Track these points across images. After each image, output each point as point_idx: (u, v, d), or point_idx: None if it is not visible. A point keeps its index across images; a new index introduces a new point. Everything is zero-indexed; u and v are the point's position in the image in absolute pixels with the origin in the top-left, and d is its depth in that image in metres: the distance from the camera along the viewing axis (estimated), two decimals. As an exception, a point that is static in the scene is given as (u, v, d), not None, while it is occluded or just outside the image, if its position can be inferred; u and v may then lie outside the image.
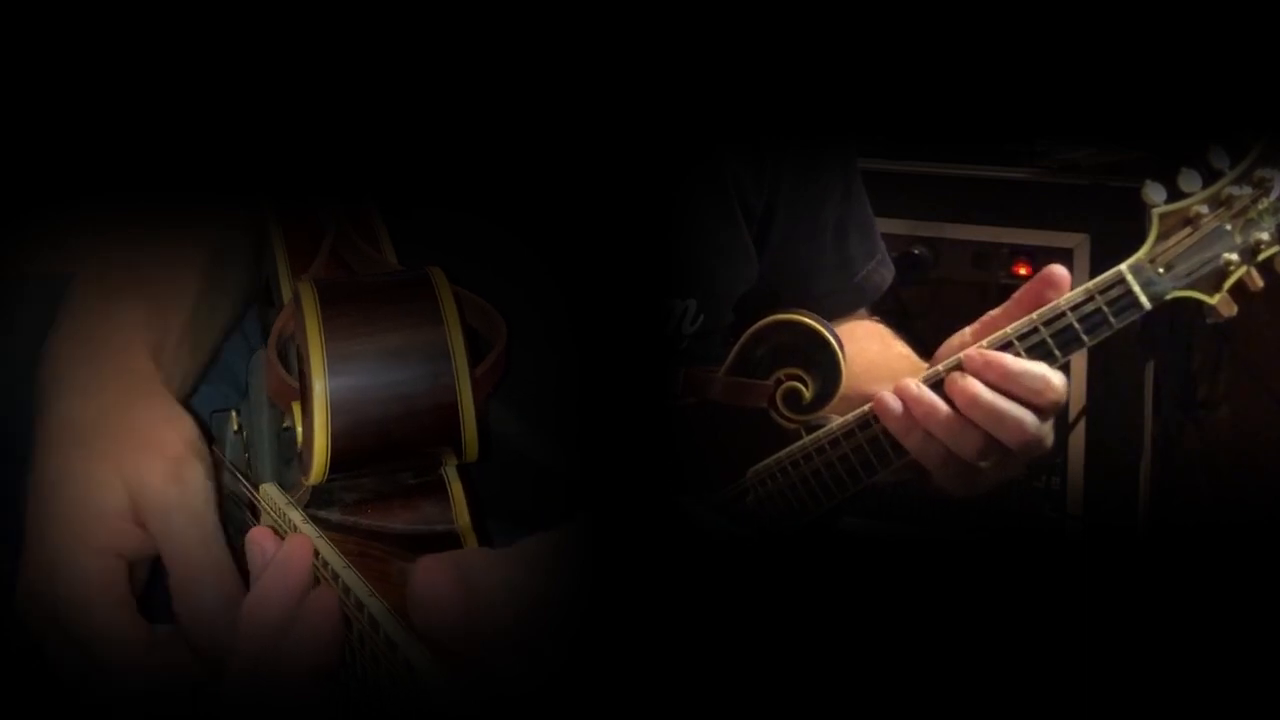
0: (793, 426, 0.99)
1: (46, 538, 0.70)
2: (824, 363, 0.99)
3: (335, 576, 0.64)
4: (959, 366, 0.91)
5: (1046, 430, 0.91)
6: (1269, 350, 1.87)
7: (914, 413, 0.91)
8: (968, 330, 0.96)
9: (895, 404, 0.92)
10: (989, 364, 0.90)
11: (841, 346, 0.99)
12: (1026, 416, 0.89)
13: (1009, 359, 0.89)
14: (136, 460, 0.71)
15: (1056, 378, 0.90)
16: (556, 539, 0.60)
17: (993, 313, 0.95)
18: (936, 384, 0.92)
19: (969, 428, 0.89)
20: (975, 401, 0.89)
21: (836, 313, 1.14)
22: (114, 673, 0.68)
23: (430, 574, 0.58)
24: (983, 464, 0.91)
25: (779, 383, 0.99)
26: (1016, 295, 0.93)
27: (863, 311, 1.19)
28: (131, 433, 0.72)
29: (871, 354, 1.10)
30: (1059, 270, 0.92)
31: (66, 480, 0.71)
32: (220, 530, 0.72)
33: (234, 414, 0.84)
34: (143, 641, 0.69)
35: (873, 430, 0.95)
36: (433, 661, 0.54)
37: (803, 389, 0.99)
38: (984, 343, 0.92)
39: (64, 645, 0.70)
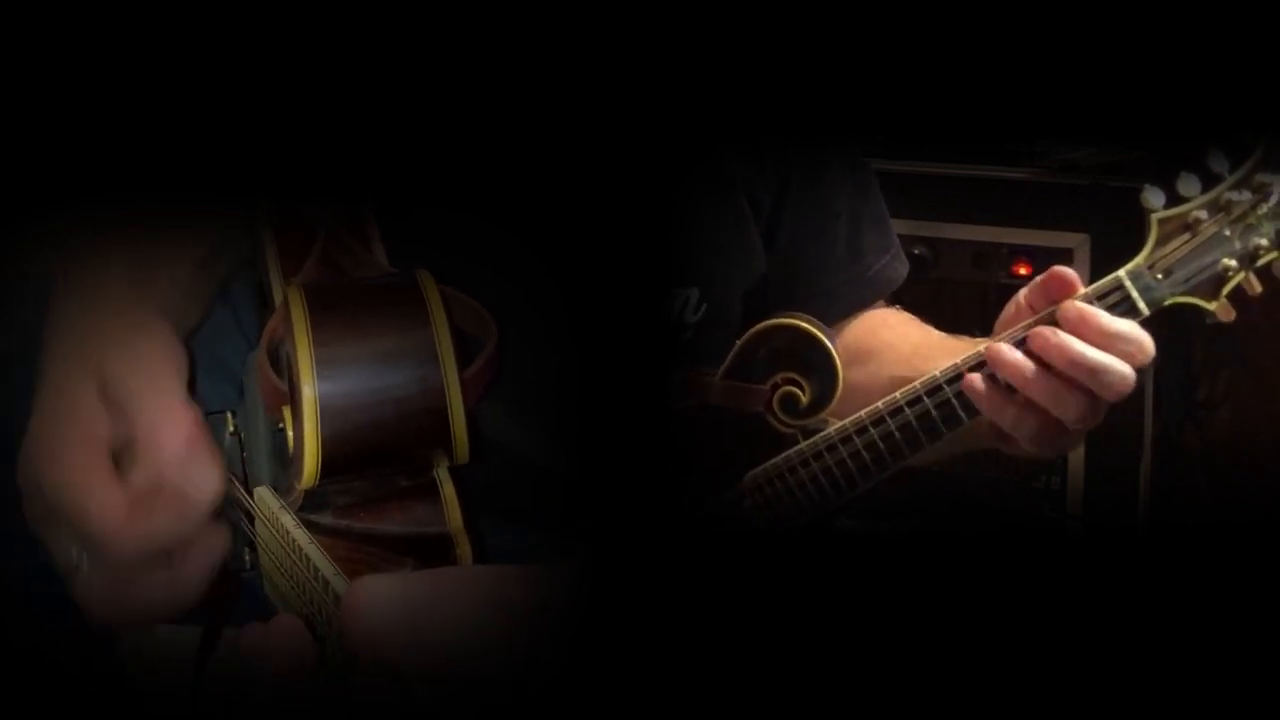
0: (789, 431, 0.99)
1: (28, 441, 0.72)
2: (821, 367, 0.98)
3: (325, 584, 0.64)
4: (943, 388, 0.91)
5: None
6: (1269, 350, 1.87)
7: (1012, 377, 0.89)
8: (1021, 295, 0.95)
9: (980, 383, 0.90)
10: (1084, 319, 0.88)
11: (838, 350, 0.99)
12: (1126, 369, 0.87)
13: (1105, 316, 0.88)
14: (104, 354, 0.72)
15: (1148, 341, 0.88)
16: (520, 573, 0.60)
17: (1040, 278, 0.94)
18: (924, 414, 0.92)
19: (1071, 389, 0.88)
20: (1076, 359, 0.87)
21: (849, 306, 1.14)
22: (105, 538, 0.68)
23: (354, 599, 0.58)
24: (1080, 426, 0.90)
25: (775, 387, 0.99)
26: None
27: (881, 303, 1.19)
28: (103, 339, 0.74)
29: (915, 337, 1.10)
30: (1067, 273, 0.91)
31: (45, 393, 0.73)
32: (182, 386, 0.72)
33: (230, 415, 0.84)
34: (123, 500, 0.69)
35: (870, 435, 0.95)
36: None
37: (799, 393, 0.99)
38: (982, 348, 0.92)
39: (56, 529, 0.71)
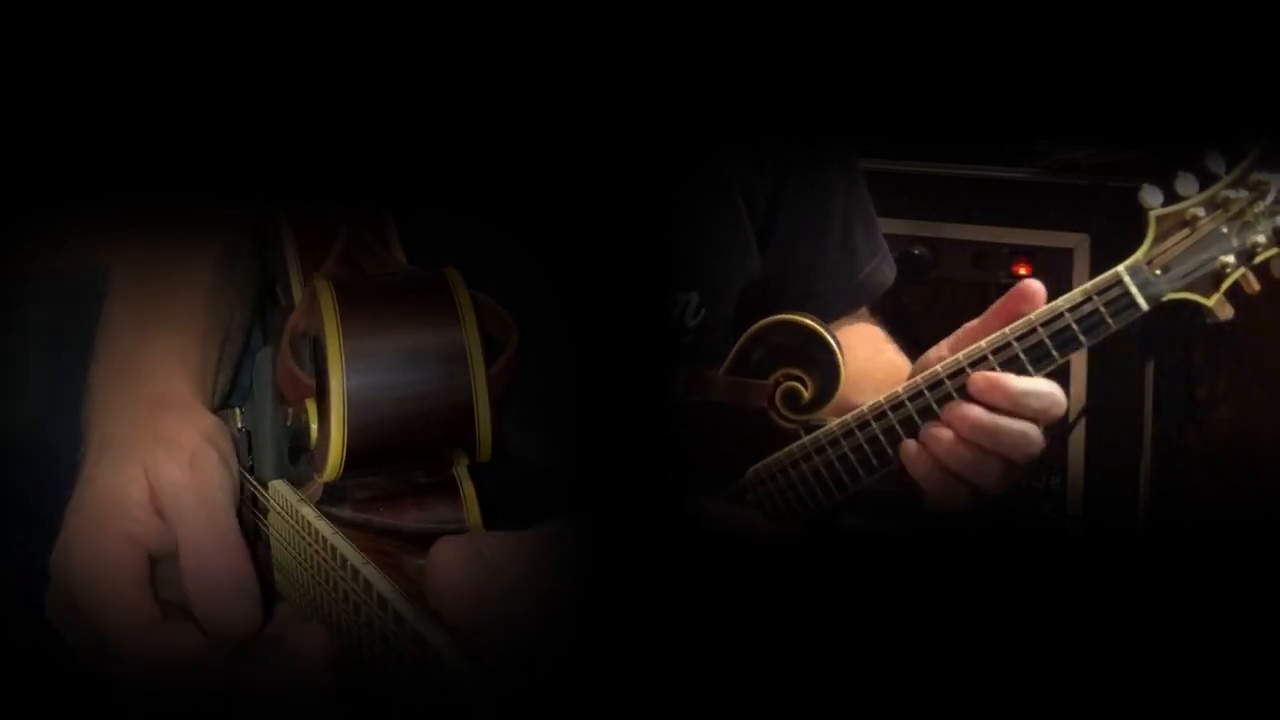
0: (791, 427, 0.99)
1: (69, 527, 0.72)
2: (823, 363, 0.99)
3: (355, 573, 0.64)
4: (944, 384, 0.92)
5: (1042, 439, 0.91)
6: (1269, 350, 1.87)
7: (934, 451, 0.91)
8: (944, 344, 0.96)
9: (914, 447, 0.92)
10: (994, 386, 0.89)
11: (841, 347, 0.99)
12: (1030, 430, 0.89)
13: (1013, 381, 0.89)
14: (155, 453, 0.73)
15: (1059, 394, 0.90)
16: (567, 526, 0.61)
17: (970, 324, 0.95)
18: (925, 409, 0.92)
19: (989, 459, 0.89)
20: (977, 426, 0.89)
21: (838, 310, 1.14)
22: (118, 648, 0.68)
23: (447, 554, 0.59)
24: (998, 491, 0.91)
25: (778, 383, 1.00)
26: (993, 308, 0.94)
27: (863, 311, 1.19)
28: (156, 434, 0.74)
29: (860, 361, 1.10)
30: (1032, 285, 0.92)
31: (95, 480, 0.73)
32: (233, 514, 0.73)
33: (237, 411, 0.84)
34: (146, 616, 0.69)
35: (872, 430, 0.95)
36: (462, 654, 0.55)
37: (801, 389, 0.99)
38: (983, 343, 0.92)
39: (75, 627, 0.71)
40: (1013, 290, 0.93)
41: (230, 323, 0.86)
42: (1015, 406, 0.89)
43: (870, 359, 1.11)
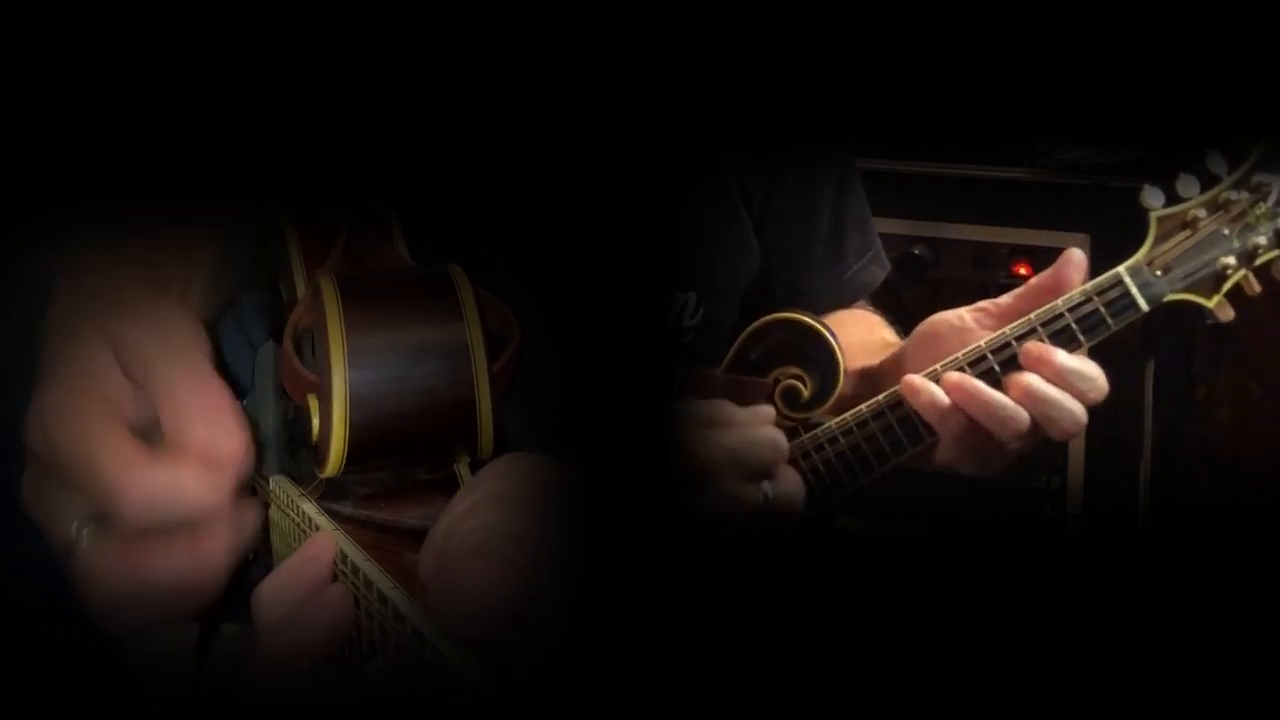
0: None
1: (38, 400, 0.66)
2: (822, 361, 0.99)
3: (355, 569, 0.64)
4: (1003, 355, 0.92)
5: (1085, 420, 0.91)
6: (1269, 350, 1.87)
7: (957, 399, 0.90)
8: (965, 311, 0.96)
9: (932, 390, 0.91)
10: (1042, 359, 0.89)
11: (840, 345, 0.99)
12: (1077, 409, 0.89)
13: (1062, 355, 0.89)
14: (119, 319, 0.68)
15: (1101, 377, 0.90)
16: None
17: (999, 300, 0.95)
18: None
19: (1017, 411, 0.89)
20: (1031, 393, 0.89)
21: (823, 308, 1.14)
22: (115, 494, 0.63)
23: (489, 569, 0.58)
24: (1017, 446, 0.91)
25: (777, 381, 1.00)
26: (1032, 281, 0.94)
27: (863, 302, 1.19)
28: (117, 307, 0.69)
29: (852, 338, 1.10)
30: (1076, 253, 0.92)
31: (51, 359, 0.68)
32: (204, 355, 0.68)
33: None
34: (139, 455, 0.63)
35: (870, 428, 0.95)
36: (462, 650, 0.55)
37: (800, 387, 0.99)
38: (981, 343, 0.92)
39: (61, 499, 0.66)
40: (1060, 261, 0.93)
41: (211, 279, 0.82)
42: (1060, 381, 0.89)
43: (862, 337, 1.12)
